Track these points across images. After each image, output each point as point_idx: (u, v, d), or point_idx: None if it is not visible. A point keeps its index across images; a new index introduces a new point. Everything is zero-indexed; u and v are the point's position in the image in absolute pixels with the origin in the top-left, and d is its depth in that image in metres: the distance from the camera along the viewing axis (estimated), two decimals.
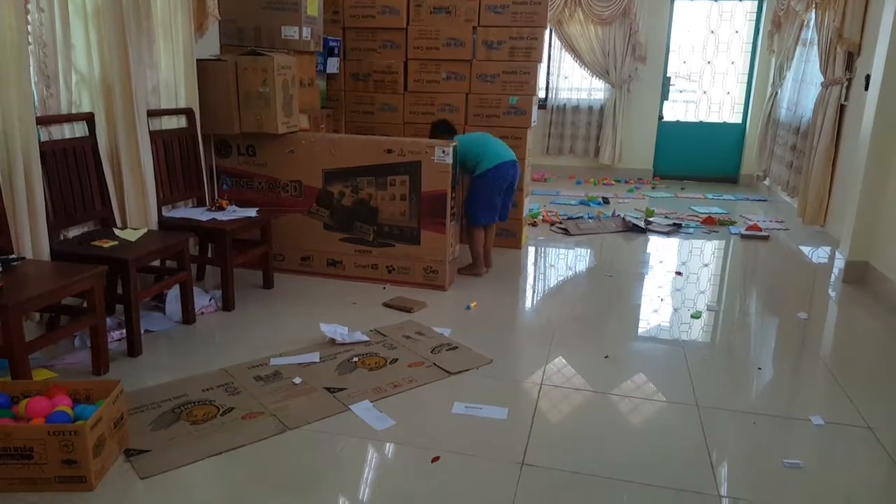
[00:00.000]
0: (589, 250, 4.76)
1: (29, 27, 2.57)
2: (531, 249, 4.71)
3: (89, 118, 2.94)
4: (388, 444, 2.18)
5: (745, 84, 7.69)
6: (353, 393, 2.46)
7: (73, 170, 2.84)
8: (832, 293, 3.96)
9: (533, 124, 4.46)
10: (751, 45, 7.58)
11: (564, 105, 7.98)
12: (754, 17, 7.52)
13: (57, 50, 2.73)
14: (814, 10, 5.44)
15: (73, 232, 2.92)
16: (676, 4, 7.58)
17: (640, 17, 7.39)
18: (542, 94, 7.84)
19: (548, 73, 7.90)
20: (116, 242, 2.79)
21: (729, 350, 3.14)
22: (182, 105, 3.50)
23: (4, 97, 2.46)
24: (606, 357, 2.90)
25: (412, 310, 3.34)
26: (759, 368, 2.87)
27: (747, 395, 2.65)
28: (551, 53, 7.82)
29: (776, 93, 6.79)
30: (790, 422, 2.43)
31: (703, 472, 2.08)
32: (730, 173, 7.84)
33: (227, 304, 3.27)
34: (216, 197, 3.74)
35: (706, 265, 4.58)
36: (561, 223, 5.35)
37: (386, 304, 3.41)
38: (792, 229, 5.43)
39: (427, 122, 4.53)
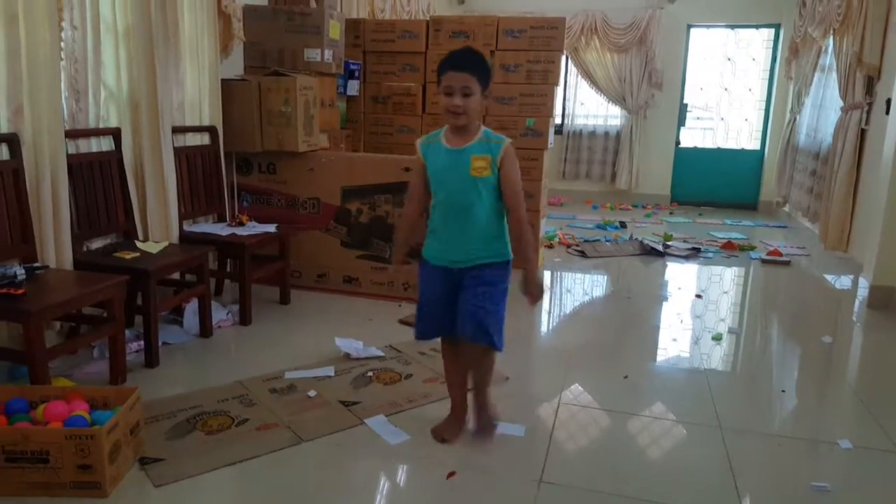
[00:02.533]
0: (606, 272, 4.73)
1: (62, 43, 2.64)
2: (548, 270, 4.70)
3: (116, 133, 3.00)
4: (402, 459, 2.15)
5: (763, 111, 7.69)
6: (368, 407, 2.44)
7: (98, 183, 2.90)
8: (856, 318, 3.89)
9: (550, 146, 4.48)
10: (768, 71, 7.60)
11: (581, 130, 8.02)
12: (771, 45, 7.56)
13: (87, 66, 2.80)
14: (832, 36, 5.44)
15: (97, 244, 2.96)
16: (693, 32, 7.64)
17: (656, 44, 7.46)
18: (558, 120, 7.90)
19: (564, 99, 7.96)
20: (138, 254, 2.82)
21: (751, 373, 3.08)
22: (206, 123, 3.56)
23: (36, 110, 2.52)
24: (626, 377, 2.86)
25: None
26: (783, 391, 2.82)
27: (771, 418, 2.59)
28: (567, 80, 7.90)
29: (795, 119, 6.77)
30: (817, 445, 2.38)
31: (726, 493, 2.02)
32: (749, 200, 7.80)
33: (245, 319, 3.28)
34: (236, 213, 3.78)
35: (726, 289, 4.53)
36: (577, 245, 5.33)
37: (401, 321, 3.40)
38: (813, 255, 5.37)
39: None
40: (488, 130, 2.04)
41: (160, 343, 2.83)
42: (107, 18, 2.93)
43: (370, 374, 2.73)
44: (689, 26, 7.58)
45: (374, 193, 3.69)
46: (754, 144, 7.82)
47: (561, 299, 4.21)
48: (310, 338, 3.16)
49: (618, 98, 7.73)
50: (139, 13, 2.99)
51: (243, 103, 3.64)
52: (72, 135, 2.76)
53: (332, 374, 2.72)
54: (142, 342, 2.80)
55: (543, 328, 3.67)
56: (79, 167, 2.79)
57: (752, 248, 5.51)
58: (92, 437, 1.80)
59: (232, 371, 2.73)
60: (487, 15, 4.58)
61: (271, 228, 3.47)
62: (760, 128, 7.75)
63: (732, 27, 7.58)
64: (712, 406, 2.60)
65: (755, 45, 7.63)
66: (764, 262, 5.12)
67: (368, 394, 2.56)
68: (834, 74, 5.48)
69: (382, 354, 2.93)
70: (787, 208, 7.01)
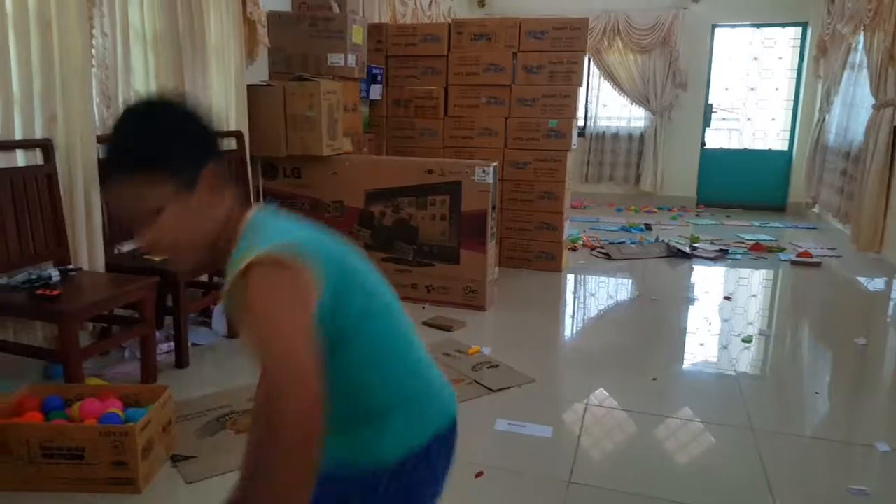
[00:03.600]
0: (632, 275, 4.69)
1: (93, 51, 2.70)
2: (572, 273, 4.67)
3: None
4: None
5: (791, 111, 7.58)
6: None
7: None
8: (891, 319, 3.81)
9: (573, 147, 4.47)
10: (795, 71, 7.49)
11: (604, 133, 7.98)
12: (798, 44, 7.44)
13: (118, 73, 2.86)
14: (862, 33, 5.35)
15: (127, 247, 3.01)
16: (717, 32, 7.56)
17: (680, 44, 7.38)
18: (580, 123, 7.86)
19: (586, 102, 7.92)
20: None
21: (783, 374, 3.03)
22: (232, 128, 3.61)
23: (69, 116, 2.58)
24: (654, 379, 2.83)
25: (451, 328, 3.32)
26: (817, 393, 2.76)
27: (805, 420, 2.55)
28: (590, 81, 7.86)
29: (824, 118, 6.66)
30: (853, 447, 2.32)
31: (759, 496, 1.99)
32: (777, 201, 7.68)
33: None
34: None
35: (755, 292, 4.46)
36: (602, 248, 5.29)
37: (425, 323, 3.41)
38: (845, 256, 5.27)
39: (467, 146, 4.58)
40: (249, 233, 0.98)
41: (190, 344, 2.86)
42: (136, 26, 2.99)
43: None
44: (714, 26, 7.50)
45: (397, 196, 3.70)
46: (782, 145, 7.70)
47: (586, 302, 4.19)
48: None
49: (641, 99, 7.68)
50: (167, 20, 3.05)
51: (269, 108, 3.68)
52: (104, 140, 2.81)
53: None
54: (171, 343, 2.84)
55: (569, 331, 3.65)
56: None
57: (782, 250, 5.42)
58: (126, 434, 1.83)
59: None
60: (509, 17, 4.59)
61: None
62: (788, 128, 7.63)
63: (758, 26, 7.49)
64: (744, 408, 2.56)
65: (781, 44, 7.53)
66: (794, 263, 5.03)
67: None
68: (864, 72, 5.38)
69: None
70: (816, 209, 6.90)
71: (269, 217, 1.01)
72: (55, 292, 2.22)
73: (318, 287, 0.93)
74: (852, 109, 5.91)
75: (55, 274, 2.35)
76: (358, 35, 4.07)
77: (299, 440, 0.83)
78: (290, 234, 0.98)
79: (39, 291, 2.22)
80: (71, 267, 2.49)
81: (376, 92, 4.71)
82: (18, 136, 2.43)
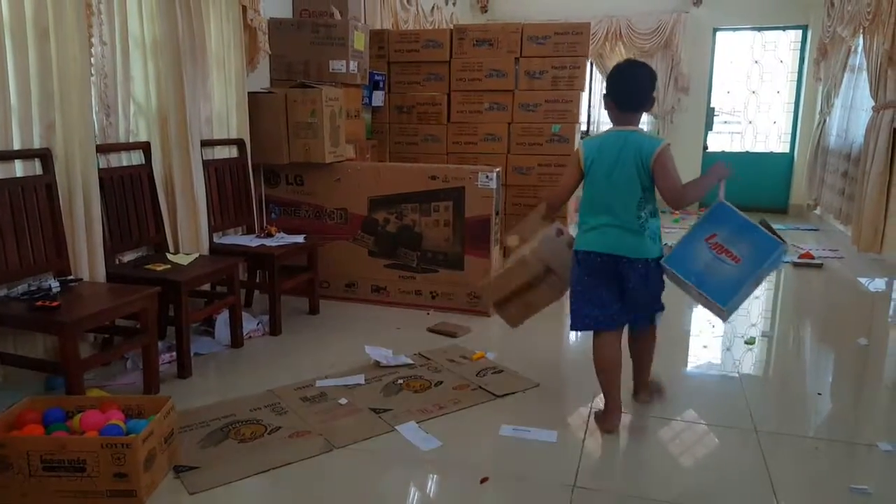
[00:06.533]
0: None
1: (92, 59, 2.70)
2: None
3: (146, 147, 3.05)
4: (434, 465, 2.13)
5: (792, 113, 7.58)
6: (399, 414, 2.43)
7: (129, 196, 2.94)
8: (892, 319, 3.79)
9: None
10: (796, 73, 7.49)
11: None
12: (799, 46, 7.45)
13: (117, 81, 2.86)
14: (861, 36, 5.35)
15: (128, 256, 3.01)
16: (718, 35, 7.56)
17: (682, 48, 7.39)
18: (583, 127, 7.86)
19: (589, 106, 7.92)
20: (169, 266, 2.86)
21: (786, 376, 3.01)
22: (234, 136, 3.61)
23: (67, 125, 2.57)
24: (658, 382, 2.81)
25: (456, 335, 3.31)
26: (819, 394, 2.75)
27: (808, 421, 2.53)
28: (592, 86, 7.86)
29: (824, 120, 6.66)
30: (856, 447, 2.31)
31: (763, 496, 1.98)
32: (779, 203, 7.67)
33: (275, 329, 3.30)
34: (265, 224, 3.81)
35: (758, 293, 4.44)
36: None
37: (430, 329, 3.40)
38: (846, 257, 5.25)
39: (470, 152, 4.58)
40: None
41: (192, 354, 2.85)
42: (135, 33, 2.99)
43: (400, 381, 2.73)
44: (715, 30, 7.50)
45: (400, 203, 3.70)
46: (783, 147, 7.69)
47: None
48: (339, 347, 3.17)
49: None
50: (166, 28, 3.05)
51: (270, 116, 3.68)
52: (103, 149, 2.81)
53: (363, 381, 2.72)
54: (174, 353, 2.83)
55: (573, 335, 3.63)
56: (110, 181, 2.84)
57: None
58: (127, 446, 1.81)
59: (263, 380, 2.74)
60: (511, 22, 4.59)
61: (300, 239, 3.49)
62: (789, 130, 7.63)
63: (759, 29, 7.49)
64: (747, 410, 2.54)
65: (782, 47, 7.53)
66: (796, 265, 5.02)
67: (399, 401, 2.55)
68: (864, 74, 5.37)
69: (412, 362, 2.92)
70: (818, 211, 6.88)
71: None
72: (55, 303, 2.21)
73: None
74: (852, 111, 5.90)
75: (55, 285, 2.34)
76: (360, 41, 4.07)
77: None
78: None
79: (39, 302, 2.21)
80: (71, 277, 2.48)
81: (379, 98, 4.72)
82: (16, 146, 2.42)
